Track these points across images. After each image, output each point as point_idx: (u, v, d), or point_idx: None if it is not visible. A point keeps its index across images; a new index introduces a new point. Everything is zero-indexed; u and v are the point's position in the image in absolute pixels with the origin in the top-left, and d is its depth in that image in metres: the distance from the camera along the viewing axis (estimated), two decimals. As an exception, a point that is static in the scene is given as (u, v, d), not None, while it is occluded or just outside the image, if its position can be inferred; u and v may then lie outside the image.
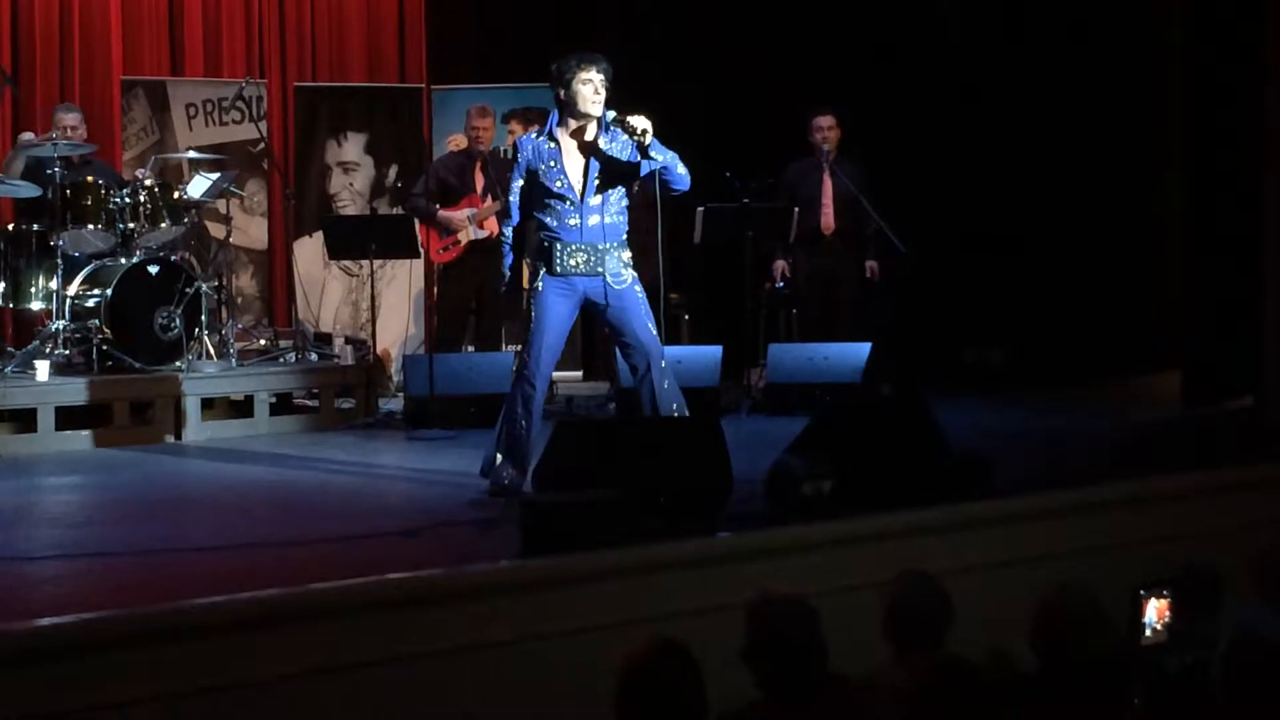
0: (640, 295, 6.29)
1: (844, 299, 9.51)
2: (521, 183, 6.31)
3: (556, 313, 6.29)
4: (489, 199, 9.27)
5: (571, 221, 6.23)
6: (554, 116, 6.35)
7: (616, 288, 6.25)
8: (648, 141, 6.10)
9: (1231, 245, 8.68)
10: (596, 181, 6.24)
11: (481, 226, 9.29)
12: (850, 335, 9.14)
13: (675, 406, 6.27)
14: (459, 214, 9.26)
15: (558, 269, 6.24)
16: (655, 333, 6.29)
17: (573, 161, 6.27)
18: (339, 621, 4.51)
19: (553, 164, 6.25)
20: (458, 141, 9.84)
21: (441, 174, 9.40)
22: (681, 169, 6.24)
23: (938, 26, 10.36)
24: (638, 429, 6.10)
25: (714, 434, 5.65)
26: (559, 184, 6.23)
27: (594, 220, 6.24)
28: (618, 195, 6.29)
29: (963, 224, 10.20)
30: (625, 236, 6.33)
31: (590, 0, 11.27)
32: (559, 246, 6.24)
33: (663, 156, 6.17)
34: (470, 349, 9.55)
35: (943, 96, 10.25)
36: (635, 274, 6.32)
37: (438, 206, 9.33)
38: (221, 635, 4.31)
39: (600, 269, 6.24)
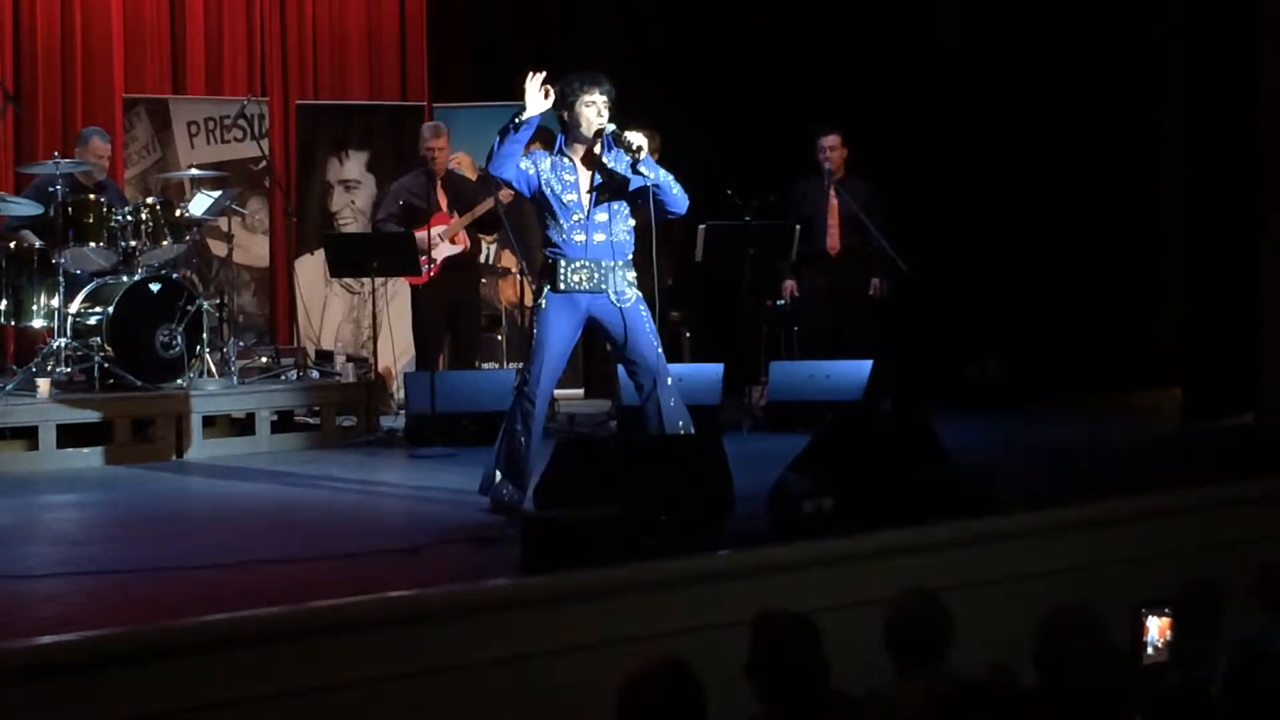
0: (645, 313, 6.30)
1: (849, 317, 9.51)
2: (525, 171, 6.26)
3: (559, 331, 6.29)
4: (455, 215, 9.29)
5: (577, 237, 6.25)
6: (561, 138, 6.37)
7: (620, 306, 6.26)
8: (640, 158, 6.13)
9: (1232, 262, 8.70)
10: (599, 196, 6.26)
11: (453, 242, 9.30)
12: (853, 353, 9.14)
13: (681, 424, 6.28)
14: (431, 233, 9.24)
15: (562, 285, 6.25)
16: (660, 350, 6.31)
17: (582, 178, 6.30)
18: (340, 639, 4.51)
19: (568, 178, 6.27)
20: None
21: (404, 197, 9.37)
22: (676, 190, 6.26)
23: (937, 34, 10.39)
24: (639, 447, 6.09)
25: (715, 452, 5.65)
26: (570, 198, 6.25)
27: (600, 237, 6.26)
28: (624, 214, 6.31)
29: (965, 240, 10.22)
30: (631, 256, 6.33)
31: (591, 18, 11.29)
32: (563, 263, 6.25)
33: (653, 174, 6.18)
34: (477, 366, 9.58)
35: (946, 115, 10.28)
36: (639, 293, 6.33)
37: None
38: (222, 653, 4.31)
39: (604, 286, 6.25)
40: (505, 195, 8.76)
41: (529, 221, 9.17)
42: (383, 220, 9.41)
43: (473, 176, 10.11)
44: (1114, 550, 6.02)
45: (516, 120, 6.15)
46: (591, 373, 10.99)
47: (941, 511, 5.77)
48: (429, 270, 9.25)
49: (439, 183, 9.39)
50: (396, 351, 10.99)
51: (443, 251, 9.26)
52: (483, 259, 10.68)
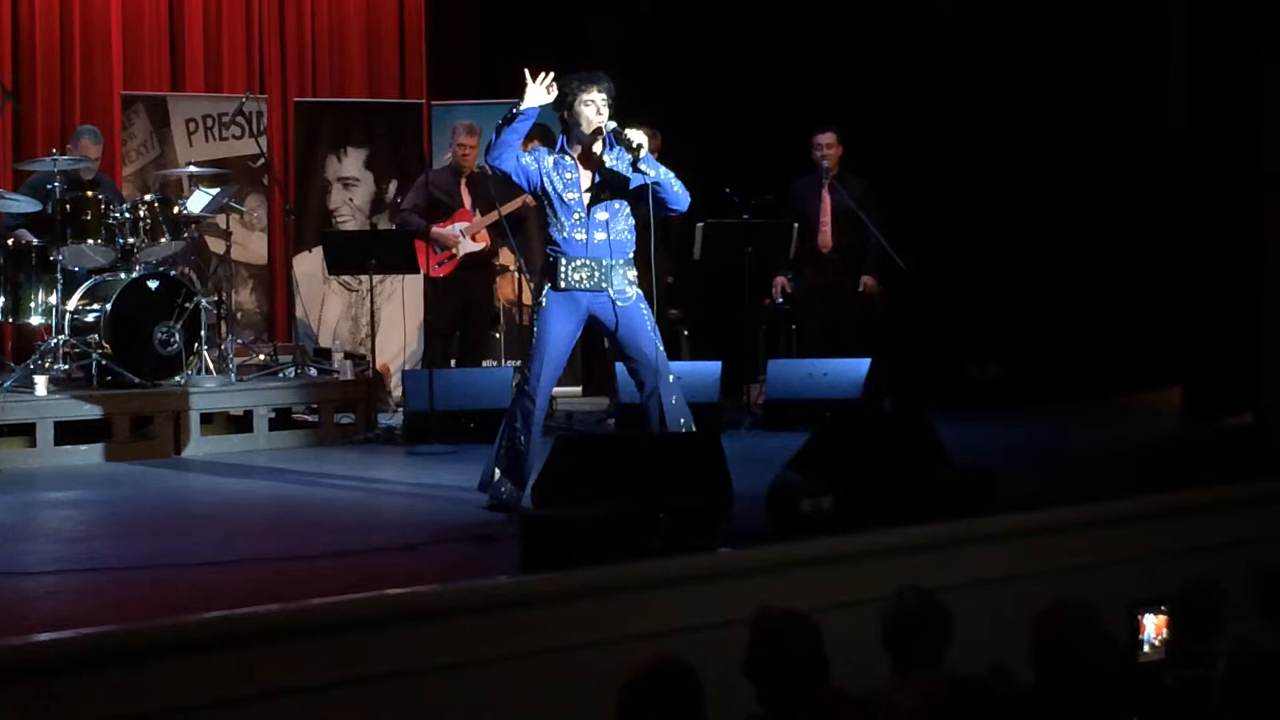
0: (645, 311, 6.30)
1: (844, 315, 9.51)
2: (527, 165, 6.26)
3: (559, 329, 6.28)
4: (478, 213, 9.32)
5: (578, 236, 6.24)
6: (563, 139, 6.37)
7: (621, 304, 6.25)
8: (640, 156, 6.12)
9: (1231, 262, 8.70)
10: (600, 195, 6.26)
11: (474, 240, 9.34)
12: (851, 351, 9.15)
13: (683, 421, 6.27)
14: (452, 229, 9.30)
15: (562, 284, 6.24)
16: (661, 347, 6.30)
17: (582, 177, 6.30)
18: (338, 637, 4.51)
19: (568, 176, 6.27)
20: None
21: (430, 189, 9.43)
22: (678, 187, 6.25)
23: (937, 38, 10.39)
24: (638, 445, 6.09)
25: (714, 449, 5.64)
26: (571, 196, 6.24)
27: (600, 236, 6.25)
28: (625, 213, 6.30)
29: (964, 239, 10.22)
30: (632, 255, 6.33)
31: (590, 17, 11.29)
32: (564, 261, 6.24)
33: (654, 172, 6.17)
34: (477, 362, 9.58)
35: (944, 112, 10.27)
36: (640, 291, 6.33)
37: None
38: (220, 650, 4.31)
39: (605, 285, 6.24)
40: (530, 199, 8.74)
41: (530, 219, 9.20)
42: (408, 211, 9.48)
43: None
44: (1113, 550, 6.02)
45: (513, 111, 6.16)
46: (590, 371, 10.99)
47: (940, 510, 5.76)
48: (445, 266, 9.29)
49: (464, 180, 9.41)
50: (394, 349, 10.99)
51: (464, 248, 9.30)
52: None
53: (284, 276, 11.11)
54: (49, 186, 8.58)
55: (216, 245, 10.20)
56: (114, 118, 10.67)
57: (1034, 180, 10.22)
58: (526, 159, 6.27)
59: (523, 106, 6.15)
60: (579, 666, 4.77)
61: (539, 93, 6.16)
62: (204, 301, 8.79)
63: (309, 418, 9.14)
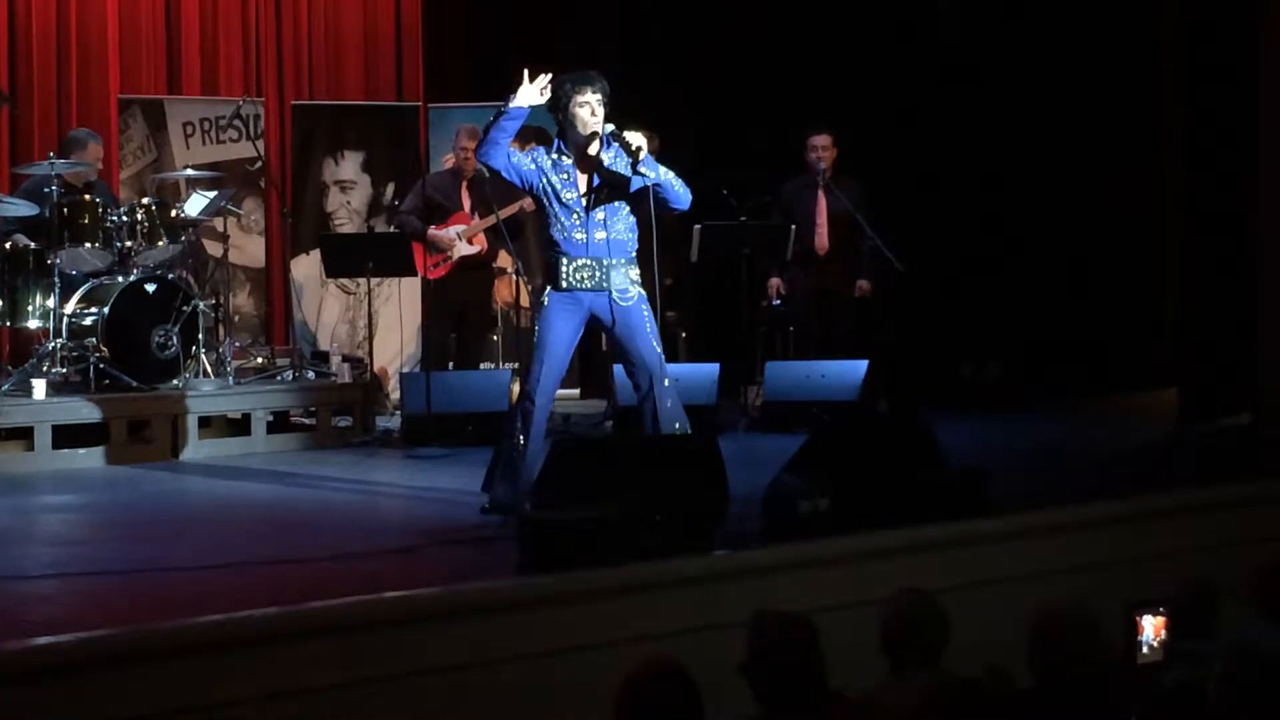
0: (646, 312, 6.27)
1: (840, 317, 9.51)
2: (519, 163, 6.25)
3: (561, 330, 6.26)
4: (476, 216, 9.32)
5: (578, 236, 6.23)
6: (559, 140, 6.36)
7: (623, 304, 6.23)
8: (640, 158, 6.11)
9: (1228, 262, 8.70)
10: (599, 195, 6.25)
11: (471, 243, 9.34)
12: (847, 353, 9.15)
13: (678, 425, 6.26)
14: (449, 232, 9.30)
15: (564, 284, 6.22)
16: (660, 350, 6.29)
17: (580, 177, 6.29)
18: (336, 640, 4.51)
19: (565, 176, 6.26)
20: (449, 160, 9.88)
21: (429, 192, 9.44)
22: (679, 187, 6.24)
23: (934, 30, 10.39)
24: (635, 447, 6.09)
25: (711, 452, 5.64)
26: (569, 196, 6.23)
27: (600, 235, 6.24)
28: (624, 212, 6.29)
29: (961, 241, 10.22)
30: (633, 254, 6.32)
31: (588, 18, 11.29)
32: (565, 261, 6.23)
33: (654, 173, 6.16)
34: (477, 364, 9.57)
35: (940, 113, 10.28)
36: (642, 291, 6.32)
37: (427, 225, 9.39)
38: (218, 654, 4.31)
39: (606, 284, 6.22)
40: (529, 204, 8.74)
41: (528, 223, 9.20)
42: (406, 213, 9.49)
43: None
44: (1110, 551, 6.02)
45: (503, 108, 6.15)
46: (587, 373, 10.99)
47: (937, 512, 5.76)
48: (440, 268, 9.29)
49: (465, 183, 9.42)
50: (392, 352, 10.99)
51: (460, 251, 9.31)
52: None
53: (281, 279, 11.11)
54: (46, 190, 8.58)
55: (214, 248, 10.20)
56: (111, 121, 10.67)
57: (1031, 180, 10.22)
58: (522, 158, 6.26)
59: (512, 105, 6.14)
60: (577, 669, 4.77)
61: (531, 92, 6.15)
62: (201, 305, 8.78)
63: (307, 421, 9.13)
